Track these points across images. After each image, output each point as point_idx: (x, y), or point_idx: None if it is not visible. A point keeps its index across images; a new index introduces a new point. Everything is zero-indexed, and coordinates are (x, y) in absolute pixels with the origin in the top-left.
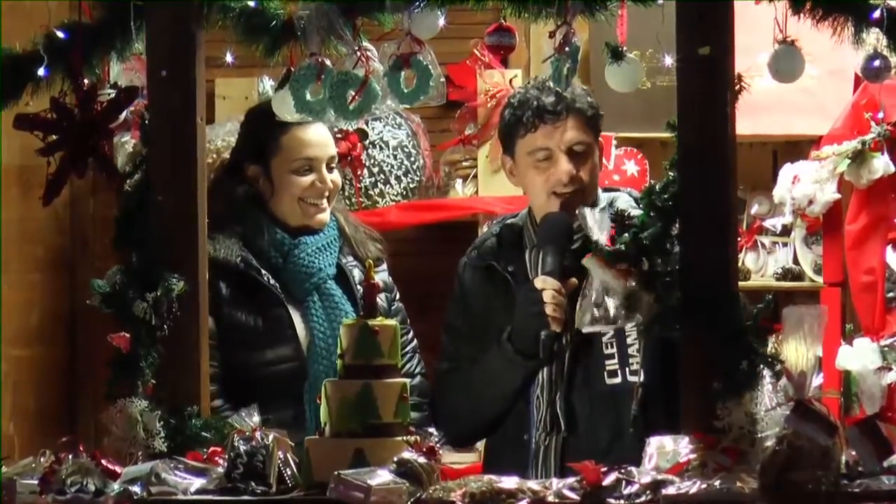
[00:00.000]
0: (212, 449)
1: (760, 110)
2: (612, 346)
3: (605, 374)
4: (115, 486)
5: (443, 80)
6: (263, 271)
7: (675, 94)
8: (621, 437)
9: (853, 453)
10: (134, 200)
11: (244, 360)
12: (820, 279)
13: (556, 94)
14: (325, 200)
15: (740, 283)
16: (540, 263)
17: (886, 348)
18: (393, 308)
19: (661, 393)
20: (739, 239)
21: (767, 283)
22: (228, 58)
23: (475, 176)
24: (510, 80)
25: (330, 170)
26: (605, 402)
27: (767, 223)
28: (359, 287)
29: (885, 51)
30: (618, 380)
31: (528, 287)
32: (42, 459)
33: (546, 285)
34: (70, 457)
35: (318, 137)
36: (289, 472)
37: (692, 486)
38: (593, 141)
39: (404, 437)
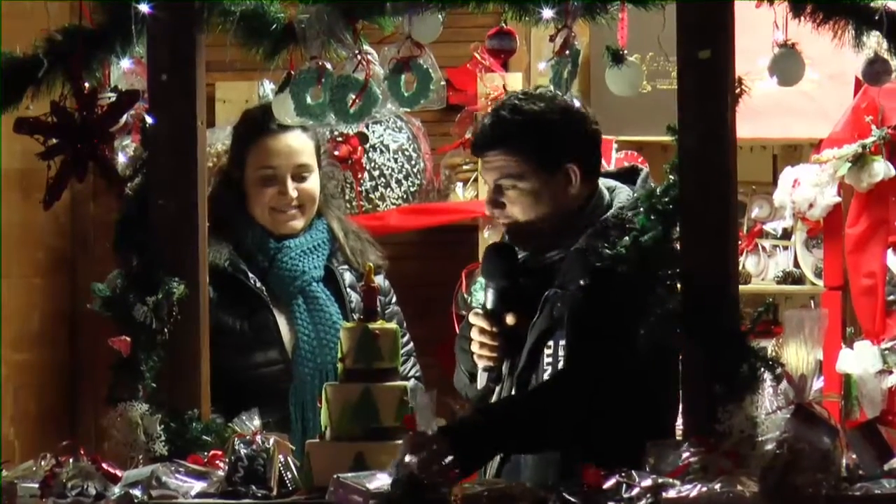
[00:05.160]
0: (212, 452)
1: (761, 114)
2: (553, 368)
3: None
4: (116, 490)
5: (443, 83)
6: (251, 274)
7: (675, 97)
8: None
9: (853, 457)
10: (134, 204)
11: (230, 362)
12: (820, 282)
13: (491, 125)
14: (295, 210)
15: (741, 287)
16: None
17: (887, 351)
18: (388, 312)
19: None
20: (740, 242)
21: (768, 286)
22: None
23: (476, 179)
24: (503, 86)
25: (300, 179)
26: None
27: (768, 226)
28: (348, 290)
29: (885, 54)
30: None
31: (467, 318)
32: (43, 463)
33: (474, 321)
34: (71, 460)
35: (285, 147)
36: (289, 476)
37: (693, 490)
38: (529, 172)
39: None
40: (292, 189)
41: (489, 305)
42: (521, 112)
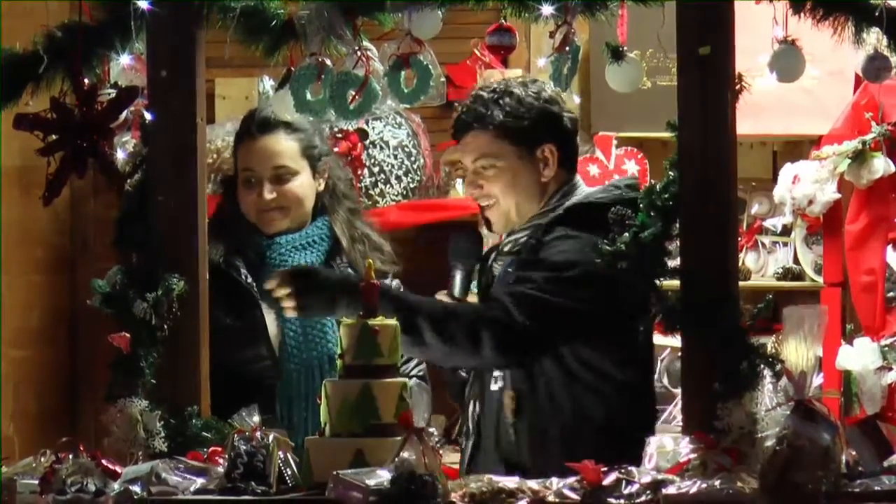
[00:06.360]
0: (212, 449)
1: (761, 110)
2: None
3: (492, 380)
4: (116, 486)
5: (443, 80)
6: (243, 271)
7: (675, 93)
8: (502, 442)
9: (853, 453)
10: (134, 201)
11: (219, 359)
12: (820, 279)
13: (468, 106)
14: (275, 212)
15: (741, 283)
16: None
17: (886, 348)
18: None
19: (530, 399)
20: (740, 239)
21: (768, 283)
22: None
23: None
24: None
25: (281, 181)
26: (495, 407)
27: (768, 223)
28: None
29: (885, 51)
30: (500, 385)
31: None
32: (42, 459)
33: None
34: (70, 457)
35: (263, 150)
36: (289, 473)
37: (692, 486)
38: (507, 151)
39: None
40: (269, 192)
41: (456, 288)
42: (496, 93)
